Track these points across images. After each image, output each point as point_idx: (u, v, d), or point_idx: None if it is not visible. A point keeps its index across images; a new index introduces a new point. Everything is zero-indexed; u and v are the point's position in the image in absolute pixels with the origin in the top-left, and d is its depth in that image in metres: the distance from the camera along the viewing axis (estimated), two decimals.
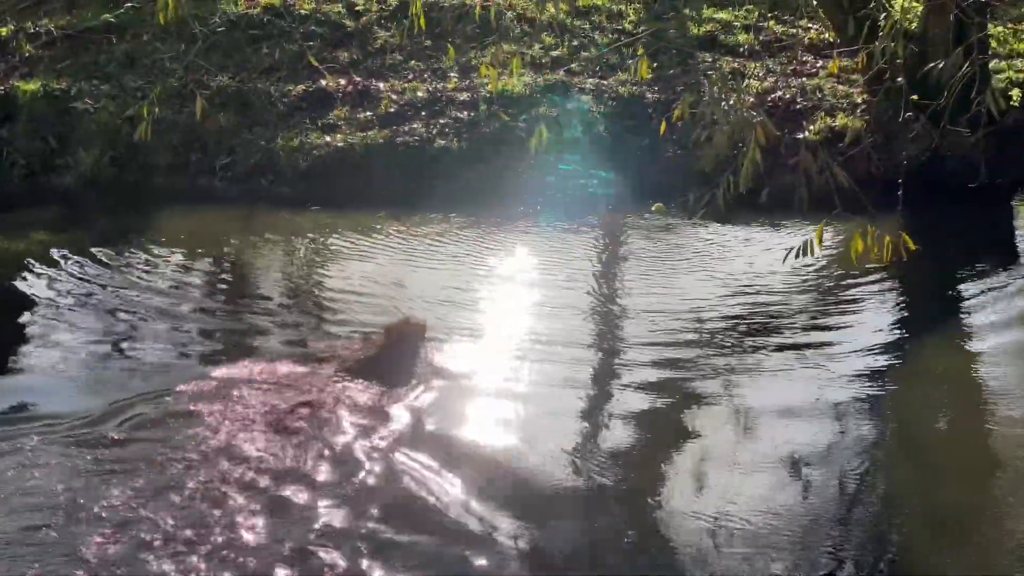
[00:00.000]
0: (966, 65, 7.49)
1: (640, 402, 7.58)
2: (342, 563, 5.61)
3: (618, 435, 7.22)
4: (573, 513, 6.27)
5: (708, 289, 9.68)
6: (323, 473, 6.46)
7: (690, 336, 8.66)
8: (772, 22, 14.99)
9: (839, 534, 6.03)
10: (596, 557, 5.86)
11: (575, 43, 14.51)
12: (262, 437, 6.79)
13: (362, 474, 6.45)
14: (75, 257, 10.40)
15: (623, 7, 15.36)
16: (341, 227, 11.56)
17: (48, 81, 13.94)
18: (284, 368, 7.81)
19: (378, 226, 11.57)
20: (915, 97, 9.29)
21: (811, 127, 12.45)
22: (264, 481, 6.32)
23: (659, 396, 7.64)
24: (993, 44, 13.13)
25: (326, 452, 6.68)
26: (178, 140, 13.15)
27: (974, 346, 8.55)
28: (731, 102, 6.98)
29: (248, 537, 5.79)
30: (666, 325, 8.82)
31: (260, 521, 5.93)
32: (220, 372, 7.79)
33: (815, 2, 10.64)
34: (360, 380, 7.59)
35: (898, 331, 8.83)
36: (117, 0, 15.09)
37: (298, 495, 6.20)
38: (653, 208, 11.44)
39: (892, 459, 6.88)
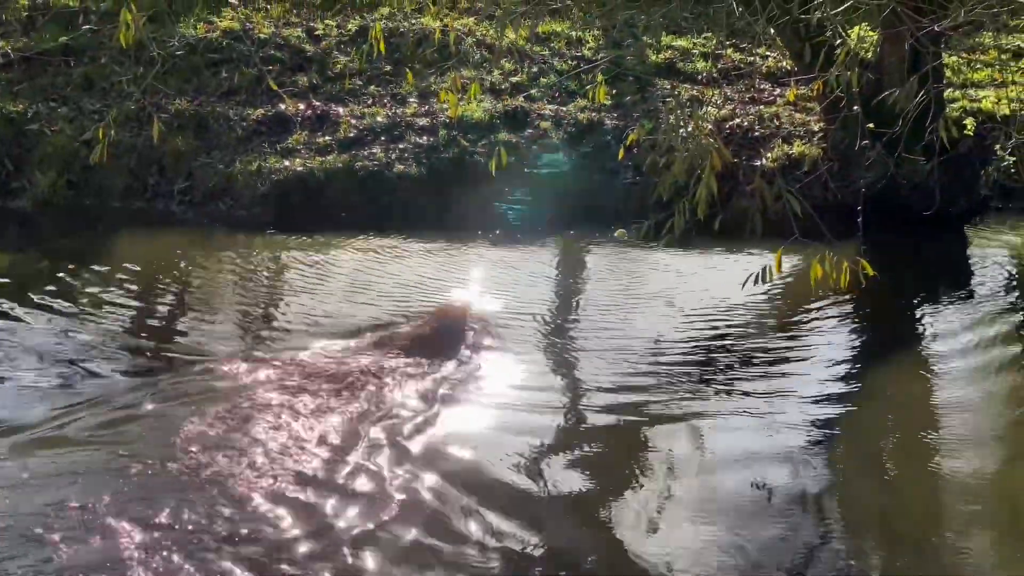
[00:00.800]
0: (921, 94, 7.57)
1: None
2: (404, 521, 6.23)
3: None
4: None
5: (667, 315, 9.73)
6: (387, 438, 7.19)
7: (647, 368, 8.69)
8: (730, 50, 15.09)
9: (800, 555, 6.05)
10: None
11: (534, 69, 14.56)
12: (331, 409, 7.48)
13: (422, 440, 7.24)
14: (34, 277, 10.40)
15: (582, 34, 15.43)
16: (297, 250, 11.54)
17: (4, 103, 13.82)
18: (346, 349, 8.52)
19: (334, 251, 11.55)
20: (871, 125, 9.35)
21: (769, 154, 12.54)
22: (330, 451, 6.95)
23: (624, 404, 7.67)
24: (948, 73, 13.29)
25: (388, 418, 7.44)
26: (135, 163, 13.07)
27: (931, 370, 8.63)
28: (689, 129, 7.03)
29: (316, 496, 6.44)
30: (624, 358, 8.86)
31: (325, 483, 6.59)
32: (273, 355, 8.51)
33: (772, 30, 10.71)
34: (413, 356, 8.31)
35: (857, 355, 8.90)
36: (75, 23, 14.99)
37: (366, 459, 6.88)
38: (615, 234, 11.50)
39: (851, 481, 6.92)
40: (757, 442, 7.32)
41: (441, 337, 8.71)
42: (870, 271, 6.61)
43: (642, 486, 6.80)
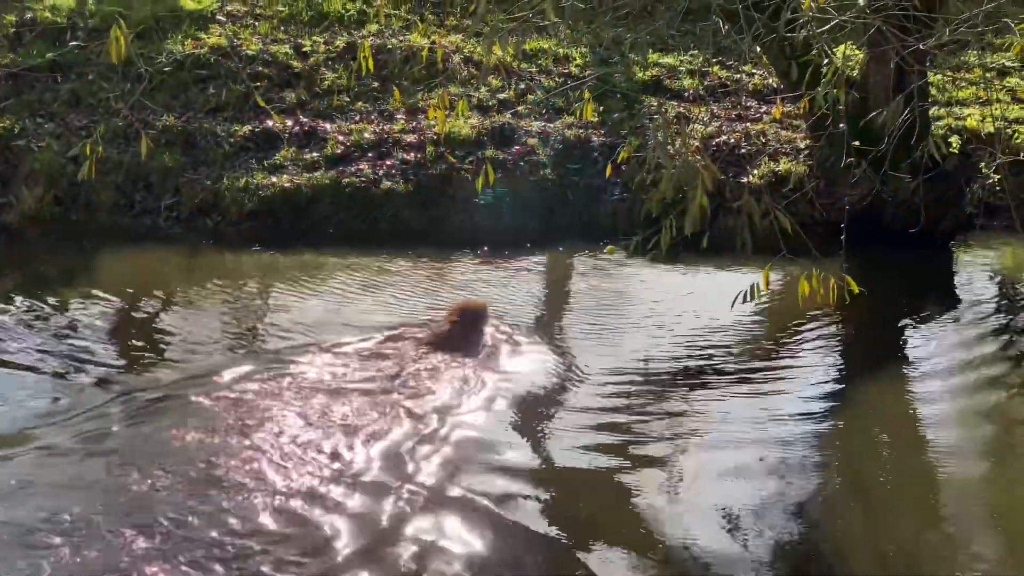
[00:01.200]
0: (906, 112, 7.62)
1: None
2: (441, 507, 6.42)
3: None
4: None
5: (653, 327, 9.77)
6: (428, 422, 7.53)
7: (637, 373, 8.71)
8: (717, 67, 15.16)
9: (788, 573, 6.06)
10: None
11: (522, 86, 14.60)
12: (366, 401, 7.74)
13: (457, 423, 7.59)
14: (21, 290, 10.42)
15: (569, 51, 15.48)
16: (282, 267, 11.54)
17: None
18: (369, 347, 8.85)
19: (319, 267, 11.55)
20: (857, 143, 9.40)
21: (755, 171, 12.58)
22: (334, 455, 7.00)
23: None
24: (933, 92, 13.36)
25: (425, 406, 7.78)
26: (122, 179, 13.04)
27: (918, 387, 8.66)
28: (676, 146, 7.07)
29: (362, 483, 6.66)
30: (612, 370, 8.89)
31: (365, 471, 6.82)
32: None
33: (759, 48, 10.77)
34: (440, 351, 8.64)
35: (844, 372, 8.93)
36: (62, 39, 14.99)
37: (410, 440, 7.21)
38: (606, 250, 11.54)
39: (838, 500, 6.93)
40: (746, 460, 7.34)
41: (448, 338, 8.80)
42: (855, 288, 6.64)
43: (630, 502, 6.81)
